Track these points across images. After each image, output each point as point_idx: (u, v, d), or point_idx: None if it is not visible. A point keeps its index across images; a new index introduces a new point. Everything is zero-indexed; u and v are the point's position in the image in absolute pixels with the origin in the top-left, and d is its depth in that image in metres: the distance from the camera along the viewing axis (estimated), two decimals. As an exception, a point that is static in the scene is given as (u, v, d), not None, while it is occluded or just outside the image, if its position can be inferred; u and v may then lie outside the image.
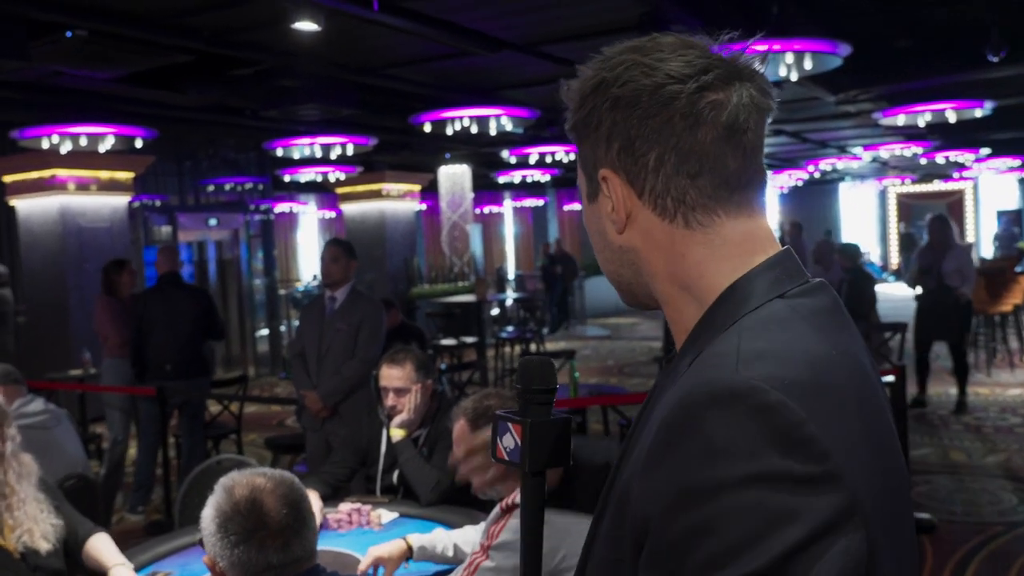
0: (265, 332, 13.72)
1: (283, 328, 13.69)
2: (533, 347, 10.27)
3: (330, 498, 3.50)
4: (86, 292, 9.50)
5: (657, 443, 0.82)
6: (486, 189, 20.47)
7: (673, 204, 0.94)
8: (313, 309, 5.11)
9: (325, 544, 3.07)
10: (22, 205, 10.13)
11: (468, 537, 2.73)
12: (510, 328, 12.40)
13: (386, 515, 3.31)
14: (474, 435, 2.42)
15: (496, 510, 2.31)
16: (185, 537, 3.16)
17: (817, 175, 19.21)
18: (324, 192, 18.50)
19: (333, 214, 20.74)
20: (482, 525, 2.79)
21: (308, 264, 21.26)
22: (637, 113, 0.92)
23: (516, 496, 2.25)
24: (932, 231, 7.89)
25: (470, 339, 10.12)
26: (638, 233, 0.97)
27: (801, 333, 0.87)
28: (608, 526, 0.93)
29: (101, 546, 2.81)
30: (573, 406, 5.79)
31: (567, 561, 2.19)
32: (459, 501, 3.39)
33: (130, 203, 10.83)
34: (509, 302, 14.61)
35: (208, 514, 1.69)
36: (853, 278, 8.14)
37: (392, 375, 3.49)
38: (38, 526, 2.74)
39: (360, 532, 3.20)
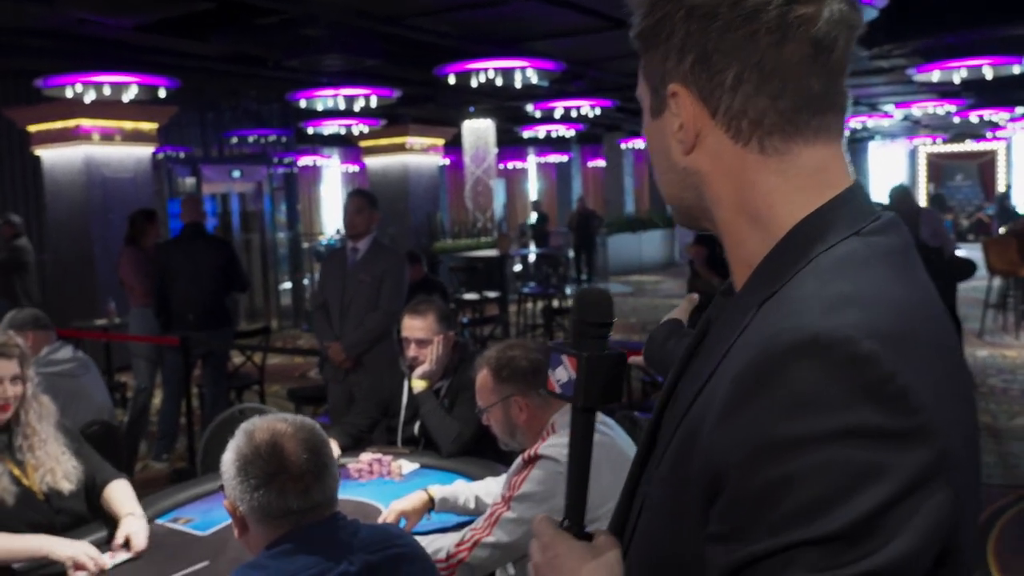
0: (288, 285, 13.76)
1: (306, 281, 13.72)
2: (556, 303, 10.23)
3: (351, 449, 3.49)
4: (110, 242, 9.54)
5: (737, 392, 0.77)
6: (510, 144, 20.34)
7: (749, 127, 0.87)
8: (335, 260, 5.08)
9: (346, 494, 3.06)
10: (47, 155, 10.15)
11: (490, 489, 2.71)
12: (532, 284, 12.37)
13: (407, 466, 3.30)
14: (497, 385, 2.39)
15: (518, 461, 2.28)
16: (207, 484, 3.16)
17: (846, 134, 18.85)
18: (347, 146, 18.43)
19: (356, 168, 20.69)
20: (504, 477, 2.77)
21: (331, 218, 21.27)
22: (717, 25, 0.85)
23: (539, 447, 2.22)
24: (898, 201, 7.70)
25: (492, 294, 10.09)
26: (706, 155, 0.89)
27: (882, 275, 0.81)
28: (667, 470, 0.89)
29: (118, 493, 2.81)
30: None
31: (591, 513, 2.15)
32: (480, 453, 3.38)
33: (154, 155, 10.83)
34: (532, 257, 14.56)
35: (228, 458, 1.67)
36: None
37: (414, 326, 3.46)
38: (60, 466, 2.76)
39: (381, 482, 3.19)
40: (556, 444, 2.21)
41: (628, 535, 0.98)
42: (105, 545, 2.59)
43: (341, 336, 4.83)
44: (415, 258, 7.70)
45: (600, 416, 2.46)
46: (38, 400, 2.81)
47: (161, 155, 11.85)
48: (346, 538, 1.65)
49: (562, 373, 1.00)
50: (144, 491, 2.80)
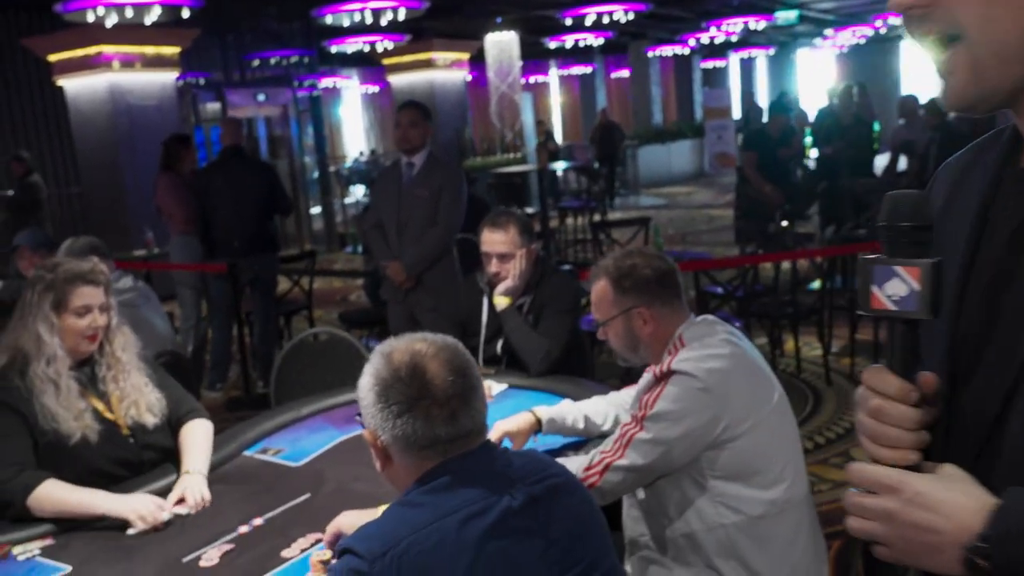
0: (318, 210, 13.58)
1: (336, 205, 13.52)
2: (597, 216, 9.98)
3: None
4: (140, 172, 9.35)
5: None
6: (531, 58, 19.78)
7: None
8: (389, 178, 4.85)
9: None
10: (70, 85, 9.90)
11: (598, 408, 2.55)
12: (566, 197, 12.12)
13: (495, 386, 3.14)
14: (618, 297, 2.19)
15: (648, 377, 2.10)
16: (287, 413, 3.02)
17: (884, 30, 18.19)
18: (368, 66, 18.00)
19: (377, 88, 20.27)
20: (613, 395, 2.60)
21: (353, 140, 20.92)
22: None
23: (671, 361, 2.03)
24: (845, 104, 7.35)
25: (531, 210, 9.85)
26: None
27: None
28: None
29: (190, 438, 2.64)
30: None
31: (730, 431, 1.99)
32: (568, 369, 3.21)
33: (177, 81, 10.55)
34: (560, 172, 14.25)
35: (365, 383, 1.49)
36: (943, 137, 7.58)
37: (495, 240, 3.26)
38: (144, 397, 2.61)
39: (470, 404, 3.04)
40: (690, 358, 2.03)
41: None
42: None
43: (400, 254, 4.64)
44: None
45: (724, 324, 2.28)
46: (121, 330, 2.66)
47: (183, 82, 11.55)
48: (503, 468, 1.48)
49: (897, 286, 0.83)
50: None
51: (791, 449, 2.10)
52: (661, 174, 18.34)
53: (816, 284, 6.65)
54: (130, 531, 2.24)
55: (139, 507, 2.28)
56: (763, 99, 22.21)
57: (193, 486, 2.41)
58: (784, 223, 6.34)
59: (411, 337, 1.53)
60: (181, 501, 2.35)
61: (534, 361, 3.17)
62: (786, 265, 5.62)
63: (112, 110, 9.69)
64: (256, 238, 6.06)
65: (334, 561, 1.40)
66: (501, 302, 3.29)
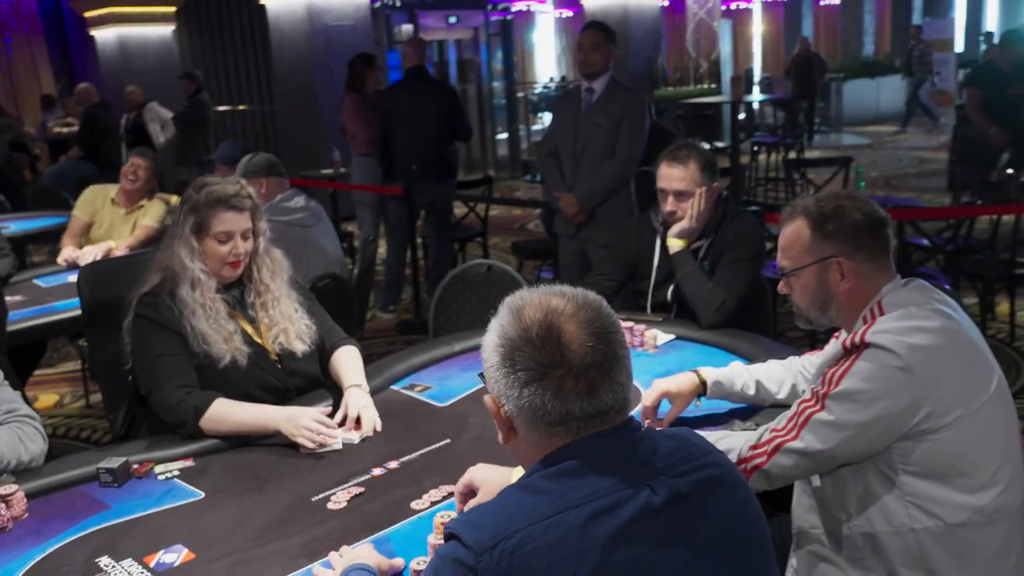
0: (504, 136, 13.48)
1: (522, 132, 13.37)
2: (793, 154, 9.33)
3: (595, 313, 3.11)
4: (334, 91, 9.50)
5: None
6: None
7: None
8: (567, 103, 4.59)
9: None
10: (271, 3, 10.14)
11: (773, 374, 2.25)
12: (758, 133, 11.42)
13: (661, 336, 2.88)
14: (817, 242, 1.85)
15: (835, 347, 1.78)
16: (441, 348, 2.89)
17: None
18: (563, -12, 17.60)
19: (570, 13, 19.82)
20: (793, 360, 2.29)
21: (545, 66, 20.64)
22: None
23: (866, 331, 1.71)
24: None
25: (721, 144, 9.33)
26: None
27: None
28: None
29: (345, 359, 2.56)
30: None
31: (931, 421, 1.66)
32: (746, 325, 2.90)
33: (372, 2, 10.60)
34: (756, 105, 13.44)
35: (490, 342, 1.29)
36: None
37: (673, 175, 2.96)
38: (293, 325, 2.55)
39: (633, 354, 2.78)
40: (890, 329, 1.70)
41: None
42: (330, 416, 2.34)
43: (574, 186, 4.41)
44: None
45: (936, 291, 1.92)
46: (270, 255, 2.59)
47: (378, 3, 11.63)
48: (645, 455, 1.24)
49: None
50: (373, 340, 2.60)
51: (1008, 448, 1.74)
52: (867, 111, 17.04)
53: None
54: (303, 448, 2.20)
55: (310, 430, 2.22)
56: (994, 30, 20.12)
57: (366, 407, 2.34)
58: (1009, 171, 5.61)
59: (547, 290, 1.30)
60: (345, 422, 2.29)
61: (707, 312, 2.88)
62: (1007, 218, 4.98)
63: (310, 30, 9.87)
64: (434, 163, 5.98)
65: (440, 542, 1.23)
66: (675, 244, 3.00)
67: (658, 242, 3.13)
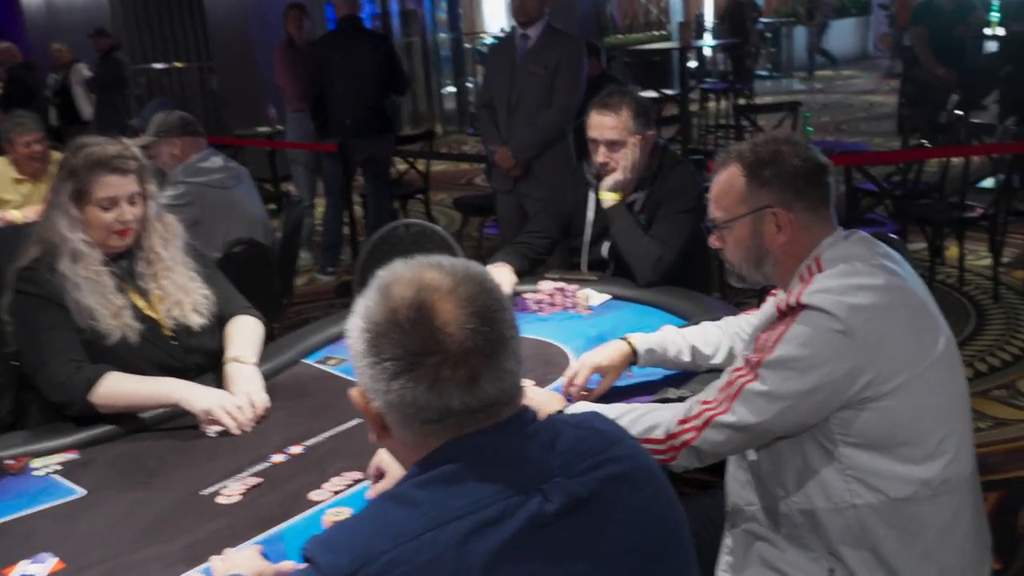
0: (452, 89, 13.15)
1: (470, 84, 13.05)
2: (742, 100, 9.16)
3: (527, 274, 2.93)
4: (270, 45, 9.11)
5: None
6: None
7: None
8: (502, 52, 4.35)
9: (526, 331, 2.52)
10: (200, -46, 9.70)
11: (709, 336, 2.09)
12: (709, 79, 11.22)
13: (595, 296, 2.71)
14: (752, 190, 1.67)
15: (769, 309, 1.61)
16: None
17: None
18: (508, -65, 17.12)
19: (518, -40, 19.35)
20: (729, 321, 2.13)
21: (493, 16, 20.19)
22: None
23: (803, 291, 1.55)
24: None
25: (671, 91, 9.13)
26: None
27: None
28: None
29: (235, 329, 2.37)
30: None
31: (874, 388, 1.50)
32: (685, 282, 2.74)
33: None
34: (708, 51, 13.21)
35: (355, 325, 1.08)
36: None
37: (604, 124, 2.77)
38: (188, 296, 2.32)
39: (564, 316, 2.63)
40: (828, 289, 1.53)
41: None
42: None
43: (509, 138, 4.20)
44: (593, 50, 6.85)
45: (879, 244, 1.76)
46: (162, 220, 2.35)
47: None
48: (538, 452, 1.06)
49: None
50: (311, 305, 2.42)
51: (957, 414, 1.60)
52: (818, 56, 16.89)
53: (989, 182, 5.83)
54: (211, 430, 2.02)
55: (225, 400, 2.05)
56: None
57: (248, 383, 2.14)
58: (958, 112, 5.49)
59: (423, 262, 1.10)
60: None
61: (643, 269, 2.71)
62: (956, 161, 4.86)
63: (242, -20, 9.47)
64: (370, 117, 5.72)
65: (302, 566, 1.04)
66: (608, 198, 2.82)
67: (591, 196, 2.94)
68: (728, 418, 1.56)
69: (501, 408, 1.06)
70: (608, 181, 2.81)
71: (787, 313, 1.56)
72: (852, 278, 1.55)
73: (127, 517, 1.72)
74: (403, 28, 12.74)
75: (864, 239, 1.67)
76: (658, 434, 1.64)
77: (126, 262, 2.30)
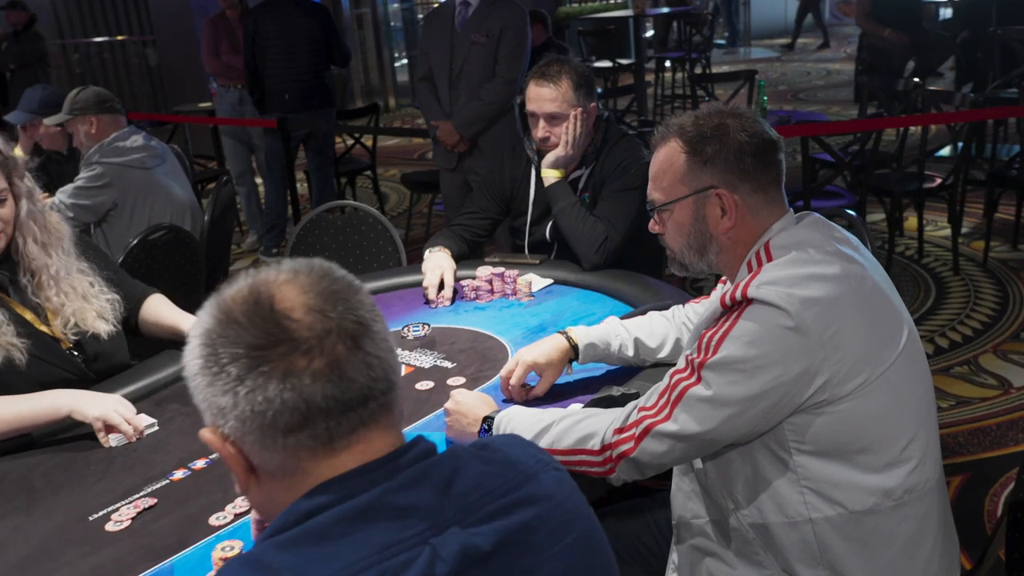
0: (405, 61, 12.84)
1: (422, 55, 12.73)
2: (699, 70, 8.99)
3: (467, 257, 2.75)
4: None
5: None
6: None
7: None
8: (439, 20, 4.11)
9: (462, 321, 2.35)
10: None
11: (655, 329, 1.92)
12: (672, 49, 11.04)
13: (537, 281, 2.54)
14: (694, 169, 1.50)
15: (714, 303, 1.44)
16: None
17: None
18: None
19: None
20: (676, 312, 1.97)
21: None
22: None
23: (749, 283, 1.38)
24: None
25: (626, 61, 8.93)
26: None
27: None
28: None
29: (163, 306, 2.19)
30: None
31: (830, 390, 1.34)
32: (634, 264, 2.58)
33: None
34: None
35: (190, 350, 0.90)
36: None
37: (542, 96, 2.58)
38: (90, 303, 2.07)
39: (503, 304, 2.46)
40: (777, 280, 1.37)
41: None
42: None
43: (452, 113, 3.99)
44: (538, 18, 6.63)
45: (836, 228, 1.60)
46: (37, 222, 2.03)
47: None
48: (429, 497, 0.88)
49: None
50: None
51: (922, 416, 1.45)
52: (775, 23, 16.77)
53: (946, 151, 5.72)
54: (111, 439, 1.83)
55: (120, 404, 1.86)
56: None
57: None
58: (915, 80, 5.37)
59: (262, 269, 0.93)
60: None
61: (587, 252, 2.54)
62: (914, 130, 4.74)
63: (180, -52, 9.09)
64: (309, 91, 5.47)
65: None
66: (549, 175, 2.64)
67: (533, 173, 2.76)
68: (669, 426, 1.40)
69: (379, 401, 0.88)
70: (549, 157, 2.63)
71: (732, 308, 1.39)
72: (804, 267, 1.39)
73: (1, 548, 1.53)
74: (352, -1, 12.40)
75: (818, 222, 1.51)
76: (593, 444, 1.47)
77: (7, 271, 2.02)
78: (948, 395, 3.46)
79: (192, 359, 0.88)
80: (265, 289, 0.88)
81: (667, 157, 1.55)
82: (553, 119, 2.59)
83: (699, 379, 1.38)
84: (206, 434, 0.90)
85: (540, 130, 2.61)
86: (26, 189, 2.02)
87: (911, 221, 5.12)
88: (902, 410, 1.41)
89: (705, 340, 1.39)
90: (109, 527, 1.56)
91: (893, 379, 1.39)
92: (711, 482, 1.50)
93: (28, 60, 8.14)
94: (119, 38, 11.44)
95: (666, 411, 1.41)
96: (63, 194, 3.46)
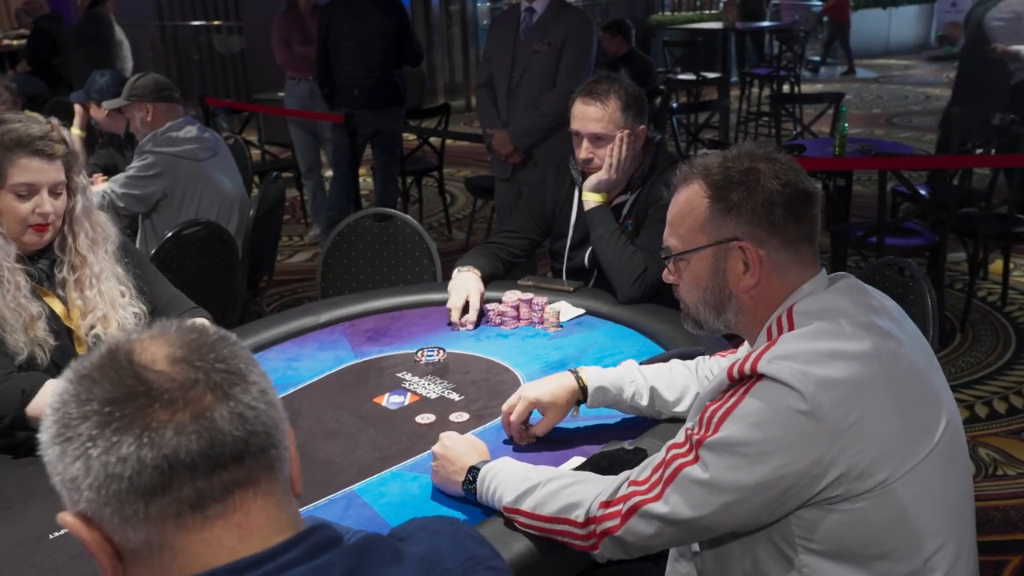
0: (490, 59, 12.76)
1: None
2: (787, 87, 8.68)
3: (500, 277, 2.62)
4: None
5: None
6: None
7: None
8: (503, 26, 3.98)
9: (480, 348, 2.21)
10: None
11: (675, 380, 1.76)
12: (762, 65, 10.72)
13: (567, 311, 2.39)
14: (716, 216, 1.34)
15: (719, 375, 1.28)
16: (305, 317, 2.41)
17: None
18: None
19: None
20: (700, 364, 1.80)
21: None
22: None
23: (762, 355, 1.21)
24: None
25: (712, 75, 8.68)
26: None
27: None
28: None
29: None
30: (838, 167, 4.52)
31: (846, 485, 1.17)
32: (671, 300, 2.40)
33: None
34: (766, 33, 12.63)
35: (43, 423, 0.77)
36: None
37: (588, 114, 2.43)
38: (116, 312, 2.01)
39: (529, 333, 2.32)
40: (794, 355, 1.20)
41: None
42: None
43: (508, 122, 3.86)
44: (621, 28, 6.47)
45: (873, 295, 1.41)
46: (91, 219, 2.02)
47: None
48: None
49: None
50: (307, 281, 2.13)
51: (955, 520, 1.26)
52: (877, 43, 16.23)
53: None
54: None
55: None
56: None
57: None
58: (1012, 116, 5.03)
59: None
60: None
61: (624, 284, 2.38)
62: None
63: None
64: (379, 87, 5.40)
65: None
66: (590, 199, 2.49)
67: (576, 195, 2.61)
68: (658, 507, 1.24)
69: (255, 468, 0.76)
70: (591, 180, 2.48)
71: (739, 382, 1.22)
72: (827, 341, 1.22)
73: (-50, 565, 1.46)
74: (443, -5, 12.38)
75: (852, 287, 1.33)
76: (577, 516, 1.33)
77: (46, 263, 2.00)
78: (1016, 461, 3.19)
79: (43, 430, 0.77)
80: (125, 345, 0.78)
81: (688, 200, 1.39)
82: (598, 140, 2.43)
83: (696, 458, 1.22)
84: (65, 518, 0.78)
85: (583, 151, 2.46)
86: (82, 185, 2.00)
87: (997, 264, 4.80)
88: (931, 513, 1.22)
89: (707, 415, 1.23)
90: (67, 548, 1.47)
91: (923, 476, 1.21)
92: (707, 569, 1.34)
93: (83, 40, 8.24)
94: (215, 23, 11.65)
95: (657, 489, 1.25)
96: (115, 183, 3.44)
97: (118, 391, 0.74)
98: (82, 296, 1.99)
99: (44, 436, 0.76)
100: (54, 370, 1.91)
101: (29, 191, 1.90)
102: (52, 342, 1.91)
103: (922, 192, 4.31)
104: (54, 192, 1.94)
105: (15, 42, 10.30)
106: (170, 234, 2.89)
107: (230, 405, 0.75)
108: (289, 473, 0.81)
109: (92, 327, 1.99)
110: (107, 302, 2.01)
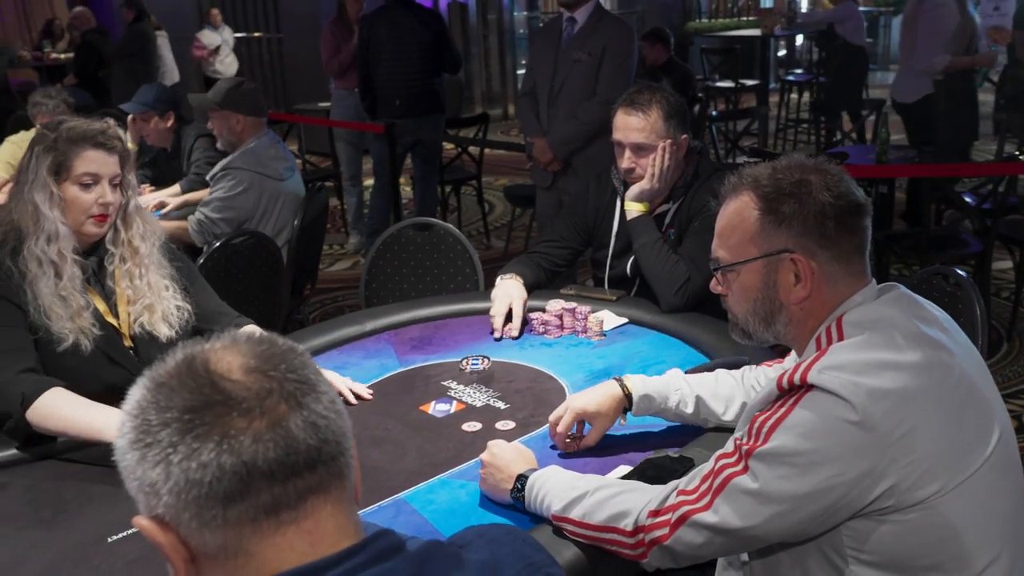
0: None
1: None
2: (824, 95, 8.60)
3: (543, 287, 2.63)
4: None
5: None
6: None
7: None
8: (546, 35, 4.00)
9: (525, 356, 2.23)
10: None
11: (720, 389, 1.76)
12: (799, 71, 10.64)
13: (610, 320, 2.40)
14: (768, 229, 1.34)
15: (768, 385, 1.28)
16: (349, 327, 2.45)
17: None
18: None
19: (607, -62, 18.85)
20: (746, 373, 1.80)
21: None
22: None
23: (812, 366, 1.21)
24: None
25: (751, 82, 8.63)
26: None
27: None
28: None
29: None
30: (881, 175, 4.48)
31: (897, 496, 1.17)
32: (715, 309, 2.40)
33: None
34: (800, 40, 12.57)
35: (121, 429, 0.81)
36: None
37: (630, 125, 2.44)
38: (160, 303, 2.09)
39: (572, 342, 2.33)
40: (844, 365, 1.20)
41: None
42: None
43: (549, 130, 3.88)
44: (660, 37, 6.47)
45: (924, 305, 1.41)
46: (142, 214, 2.13)
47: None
48: None
49: None
50: (350, 289, 2.18)
51: (1008, 533, 1.25)
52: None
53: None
54: None
55: None
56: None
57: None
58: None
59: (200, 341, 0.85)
60: None
61: (667, 293, 2.39)
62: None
63: (314, -50, 9.31)
64: (419, 97, 5.45)
65: None
66: (633, 208, 2.50)
67: (618, 204, 2.62)
68: (708, 517, 1.25)
69: (327, 476, 0.79)
70: (634, 190, 2.49)
71: (789, 392, 1.23)
72: (877, 352, 1.22)
73: (14, 565, 1.50)
74: (479, 6, 12.45)
75: (902, 298, 1.33)
76: (626, 524, 1.34)
77: (95, 260, 2.08)
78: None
79: (121, 436, 0.80)
80: (200, 355, 0.81)
81: (737, 212, 1.39)
82: (640, 150, 2.44)
83: (746, 468, 1.23)
84: (140, 521, 0.81)
85: (626, 160, 2.47)
86: (133, 184, 2.10)
87: (1045, 273, 4.72)
88: (984, 525, 1.22)
89: (756, 425, 1.24)
90: (124, 552, 1.51)
91: (976, 488, 1.21)
92: (757, 575, 1.34)
93: (124, 54, 8.40)
94: (255, 35, 11.81)
95: (706, 499, 1.26)
96: (207, 208, 3.37)
97: (197, 399, 0.77)
98: (132, 285, 2.08)
99: (121, 442, 0.79)
100: (101, 357, 2.00)
101: (93, 180, 2.01)
102: (95, 332, 1.99)
103: (967, 200, 4.26)
104: (112, 184, 2.04)
105: (63, 55, 10.53)
106: (218, 244, 2.94)
107: (303, 414, 0.78)
108: (354, 481, 0.83)
109: (138, 316, 2.07)
110: (154, 292, 2.10)
